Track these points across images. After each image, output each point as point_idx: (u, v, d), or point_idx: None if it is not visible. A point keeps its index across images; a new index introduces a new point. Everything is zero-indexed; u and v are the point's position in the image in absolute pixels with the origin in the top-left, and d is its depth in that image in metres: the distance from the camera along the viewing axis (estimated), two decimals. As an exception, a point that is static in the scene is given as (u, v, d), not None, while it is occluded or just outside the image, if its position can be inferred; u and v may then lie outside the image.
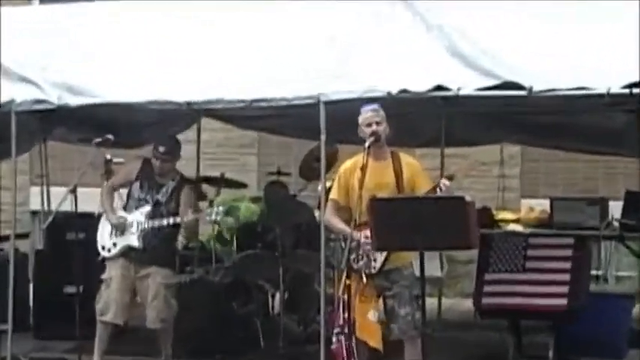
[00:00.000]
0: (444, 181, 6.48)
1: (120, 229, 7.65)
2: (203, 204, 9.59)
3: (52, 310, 8.96)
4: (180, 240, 8.80)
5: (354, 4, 7.83)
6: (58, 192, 9.30)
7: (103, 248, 7.74)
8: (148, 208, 7.65)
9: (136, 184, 7.76)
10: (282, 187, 9.29)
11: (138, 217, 7.64)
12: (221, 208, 7.72)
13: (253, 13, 8.17)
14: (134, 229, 7.61)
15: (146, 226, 7.59)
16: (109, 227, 7.72)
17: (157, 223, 7.58)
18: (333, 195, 6.80)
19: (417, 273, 6.23)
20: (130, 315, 7.84)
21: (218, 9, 8.29)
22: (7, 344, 7.87)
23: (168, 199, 7.68)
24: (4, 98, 7.82)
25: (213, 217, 7.63)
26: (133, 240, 7.61)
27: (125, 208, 7.79)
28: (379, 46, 7.57)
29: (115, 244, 7.69)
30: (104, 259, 7.77)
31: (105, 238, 7.74)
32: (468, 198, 5.96)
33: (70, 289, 8.38)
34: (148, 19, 8.56)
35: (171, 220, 7.56)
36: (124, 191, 8.03)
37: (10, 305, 7.86)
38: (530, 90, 6.72)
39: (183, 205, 7.66)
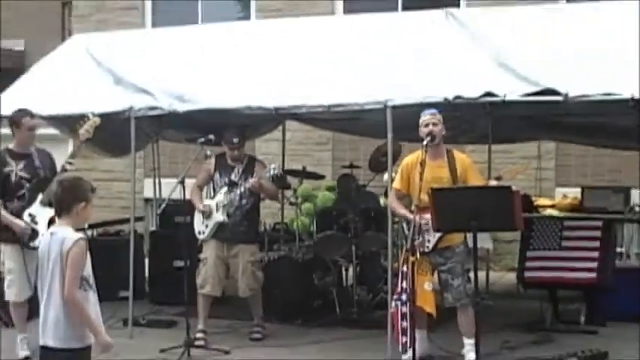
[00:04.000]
0: (492, 182, 6.56)
1: (207, 214, 7.70)
2: (288, 192, 9.70)
3: (164, 280, 9.08)
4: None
5: (410, 16, 7.92)
6: (167, 182, 9.42)
7: (200, 233, 7.81)
8: (225, 188, 7.69)
9: (216, 175, 7.83)
10: (353, 178, 9.28)
11: (219, 198, 7.71)
12: (274, 166, 7.58)
13: (321, 36, 8.36)
14: (217, 208, 7.67)
15: (226, 201, 7.62)
16: (200, 216, 7.79)
17: (232, 195, 7.61)
18: (396, 185, 6.86)
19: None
20: (225, 286, 7.94)
21: (304, 30, 8.50)
22: (128, 308, 8.01)
23: (241, 177, 7.70)
24: (125, 106, 7.95)
25: (272, 172, 7.48)
26: (219, 217, 7.67)
27: (212, 197, 7.89)
28: (435, 58, 7.56)
29: (207, 226, 7.74)
30: (201, 242, 7.88)
31: (199, 224, 7.81)
32: (513, 187, 5.98)
33: (179, 263, 8.48)
34: (239, 39, 8.70)
35: (242, 189, 7.57)
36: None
37: (131, 276, 7.99)
38: (566, 96, 6.65)
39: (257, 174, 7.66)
